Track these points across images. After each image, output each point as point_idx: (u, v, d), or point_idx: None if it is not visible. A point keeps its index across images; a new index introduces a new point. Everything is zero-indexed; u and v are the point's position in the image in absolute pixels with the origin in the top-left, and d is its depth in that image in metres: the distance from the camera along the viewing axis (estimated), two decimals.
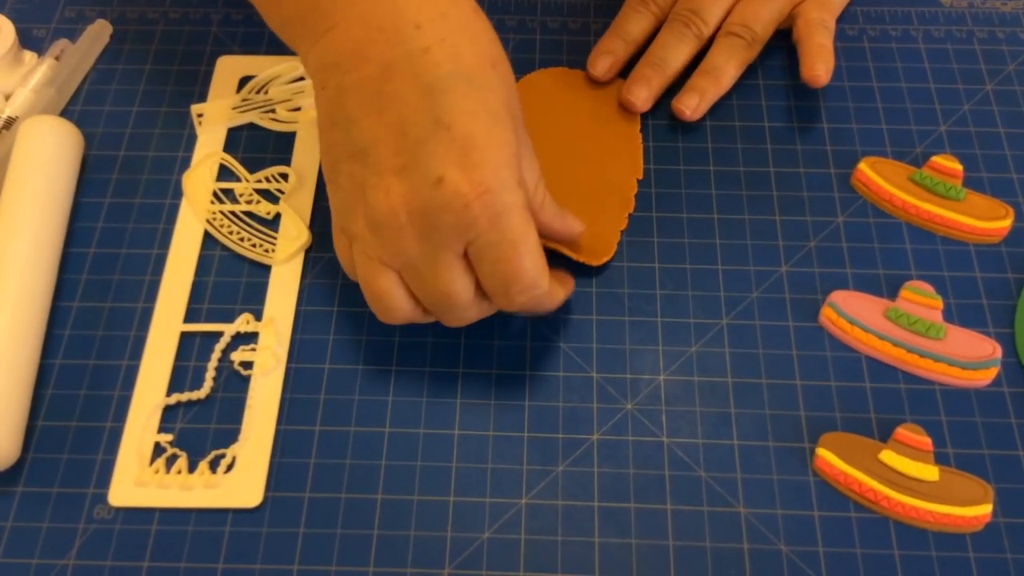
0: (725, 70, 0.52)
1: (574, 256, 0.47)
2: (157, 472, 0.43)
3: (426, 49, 0.38)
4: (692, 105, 0.52)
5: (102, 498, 0.42)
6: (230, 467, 0.43)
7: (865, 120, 0.53)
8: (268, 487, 0.42)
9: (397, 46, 0.38)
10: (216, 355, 0.45)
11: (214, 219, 0.49)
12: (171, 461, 0.43)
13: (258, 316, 0.47)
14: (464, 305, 0.41)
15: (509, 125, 0.39)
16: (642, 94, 0.52)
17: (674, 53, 0.53)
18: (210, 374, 0.45)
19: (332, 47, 0.39)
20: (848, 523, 0.42)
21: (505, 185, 0.38)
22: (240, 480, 0.42)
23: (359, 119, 0.39)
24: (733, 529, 0.42)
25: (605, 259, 0.48)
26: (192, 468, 0.43)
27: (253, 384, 0.45)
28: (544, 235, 0.43)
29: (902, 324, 0.46)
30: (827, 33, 0.52)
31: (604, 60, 0.54)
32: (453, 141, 0.37)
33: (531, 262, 0.39)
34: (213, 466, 0.43)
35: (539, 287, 0.40)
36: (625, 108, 0.53)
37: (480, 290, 0.41)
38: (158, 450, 0.43)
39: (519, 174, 0.39)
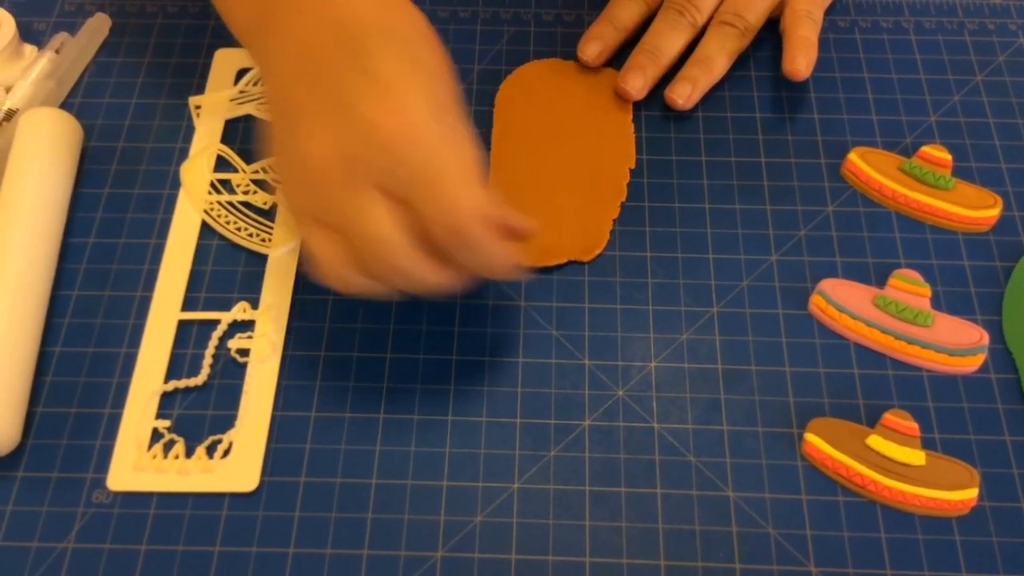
0: (717, 59, 0.53)
1: (567, 256, 0.48)
2: (155, 457, 0.43)
3: (352, 6, 0.39)
4: (684, 94, 0.52)
5: (101, 483, 0.43)
6: (227, 452, 0.43)
7: (855, 111, 0.53)
8: (264, 472, 0.43)
9: (326, 7, 0.40)
10: (213, 343, 0.46)
11: (211, 209, 0.50)
12: (168, 447, 0.44)
13: (255, 304, 0.47)
14: (401, 253, 0.38)
15: (432, 79, 0.40)
16: (637, 83, 0.53)
17: (669, 42, 0.53)
18: (207, 361, 0.46)
19: (262, 9, 0.41)
20: (836, 507, 0.42)
21: (430, 127, 0.38)
22: (236, 465, 0.43)
23: (285, 71, 0.40)
24: (722, 513, 0.42)
25: (596, 252, 0.48)
26: (189, 453, 0.44)
27: (249, 371, 0.45)
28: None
29: (890, 312, 0.46)
30: (812, 25, 0.53)
31: (594, 45, 0.54)
32: (378, 85, 0.38)
33: (466, 189, 0.38)
34: (210, 451, 0.43)
35: (481, 215, 0.38)
36: (620, 97, 0.53)
37: (425, 246, 0.38)
38: (156, 436, 0.44)
39: (446, 121, 0.39)
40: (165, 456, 0.43)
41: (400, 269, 0.39)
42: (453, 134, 0.39)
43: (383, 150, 0.37)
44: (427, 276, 0.39)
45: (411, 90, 0.38)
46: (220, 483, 0.43)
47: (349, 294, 0.40)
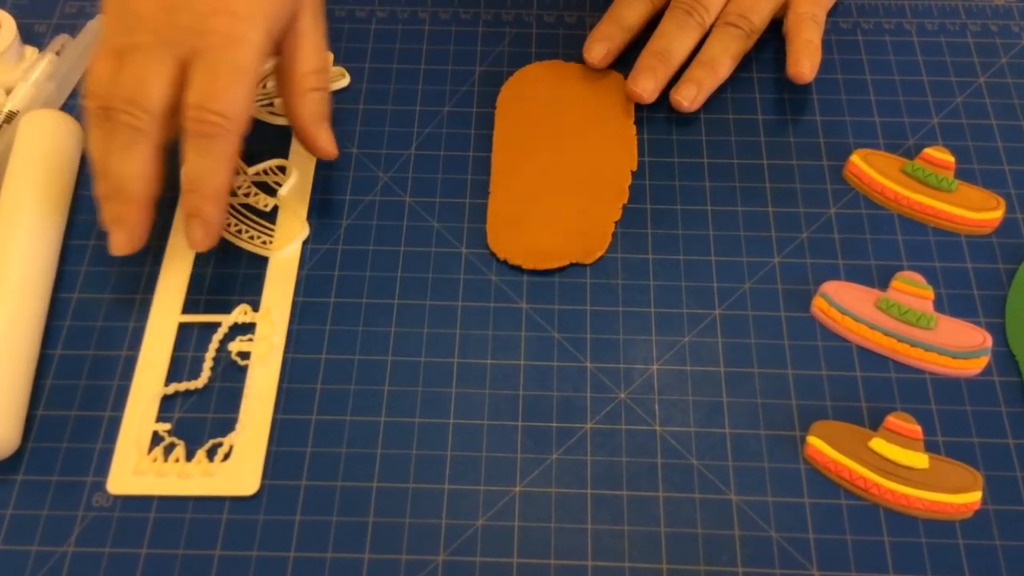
0: (722, 61, 0.52)
1: (569, 258, 0.48)
2: (155, 461, 0.43)
3: None
4: (690, 96, 0.52)
5: (101, 486, 0.43)
6: (227, 456, 0.43)
7: (858, 112, 0.53)
8: (265, 475, 0.43)
9: None
10: (214, 345, 0.46)
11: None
12: (169, 450, 0.43)
13: (255, 307, 0.47)
14: (148, 105, 0.42)
15: None
16: (649, 85, 0.52)
17: (678, 43, 0.53)
18: (208, 364, 0.45)
19: None
20: (838, 510, 0.42)
21: (254, 20, 0.42)
22: (237, 468, 0.43)
23: None
24: (724, 516, 0.42)
25: (598, 255, 0.48)
26: (190, 457, 0.43)
27: (250, 374, 0.45)
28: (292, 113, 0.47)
29: (893, 314, 0.46)
30: (815, 28, 0.53)
31: (600, 47, 0.54)
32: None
33: (239, 94, 0.42)
34: (211, 455, 0.43)
35: (231, 120, 0.42)
36: (632, 99, 0.53)
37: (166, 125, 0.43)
38: (156, 439, 0.44)
39: (272, 28, 0.43)
40: (165, 459, 0.43)
41: (137, 126, 0.42)
42: (268, 46, 0.44)
43: (201, 21, 0.42)
44: (143, 158, 0.42)
45: None
46: (220, 487, 0.43)
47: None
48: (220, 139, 0.42)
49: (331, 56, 0.54)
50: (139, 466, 0.43)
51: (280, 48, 0.46)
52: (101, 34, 0.44)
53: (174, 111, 0.42)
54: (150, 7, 0.42)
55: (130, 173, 0.43)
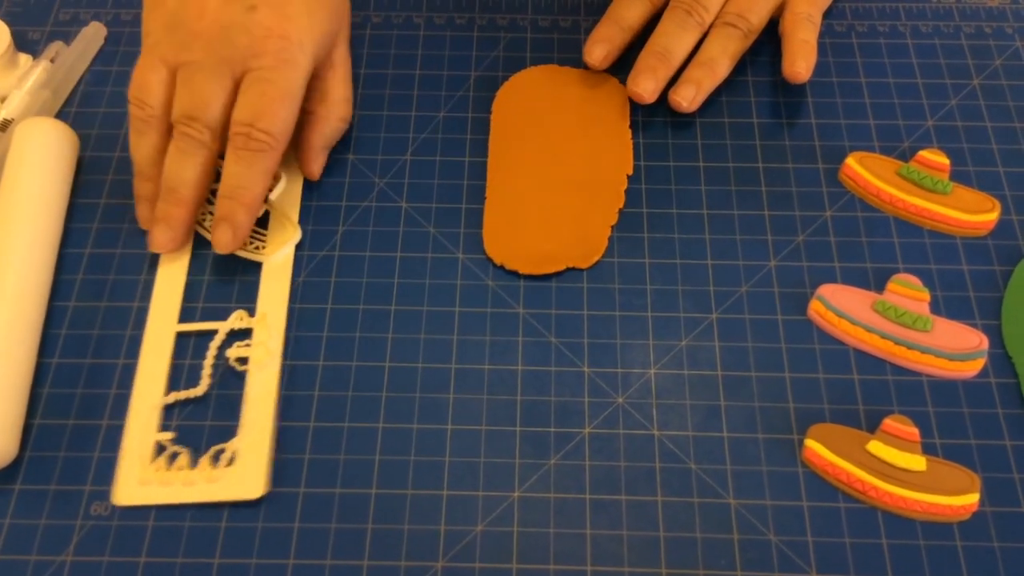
0: (721, 61, 0.52)
1: (565, 263, 0.48)
2: (159, 470, 0.43)
3: None
4: (689, 97, 0.52)
5: (99, 495, 0.43)
6: (231, 461, 0.43)
7: (853, 115, 0.53)
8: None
9: None
10: (212, 352, 0.46)
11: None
12: (173, 458, 0.43)
13: (252, 313, 0.47)
14: (208, 120, 0.45)
15: (329, 15, 0.49)
16: (649, 85, 0.52)
17: (678, 42, 0.52)
18: (207, 371, 0.45)
19: None
20: (837, 513, 0.42)
21: (304, 46, 0.46)
22: (242, 472, 0.43)
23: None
24: (723, 520, 0.42)
25: (595, 259, 0.48)
26: (193, 464, 0.43)
27: (249, 379, 0.45)
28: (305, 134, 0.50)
29: (889, 317, 0.46)
30: (812, 28, 0.53)
31: (600, 48, 0.54)
32: None
33: (286, 114, 0.46)
34: (214, 461, 0.43)
35: (276, 138, 0.45)
36: (634, 100, 0.53)
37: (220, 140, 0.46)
38: (159, 448, 0.44)
39: (319, 55, 0.48)
40: (169, 468, 0.43)
41: (191, 147, 0.46)
42: (313, 70, 0.48)
43: (255, 43, 0.45)
44: (202, 165, 0.46)
45: (305, 16, 0.47)
46: (226, 492, 0.43)
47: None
48: (264, 155, 0.46)
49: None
50: (143, 476, 0.43)
51: (316, 73, 0.49)
52: (148, 44, 0.47)
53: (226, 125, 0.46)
54: (209, 26, 0.45)
55: (187, 179, 0.46)
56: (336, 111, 0.51)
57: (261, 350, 0.46)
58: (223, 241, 0.46)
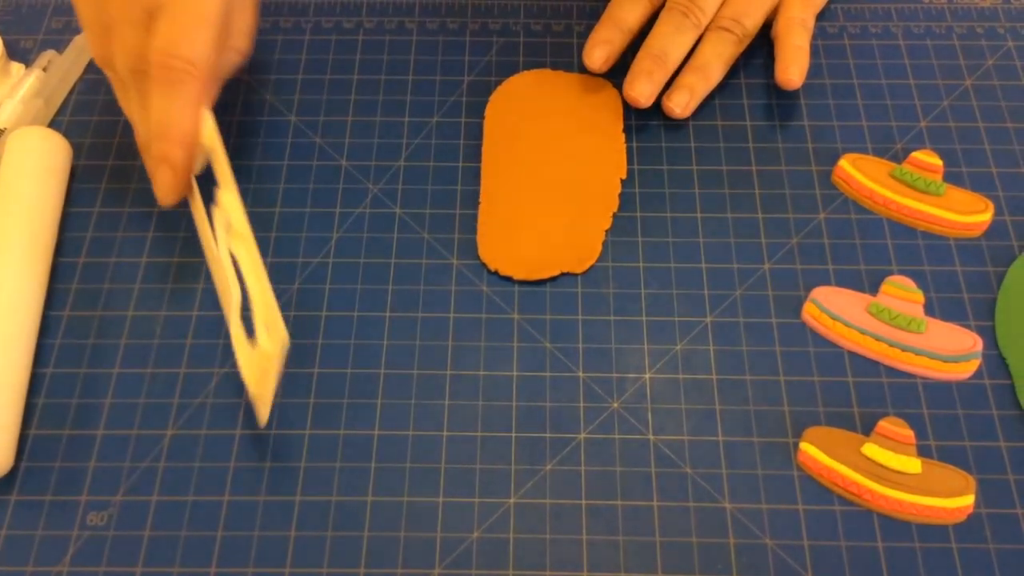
0: (714, 66, 0.52)
1: (559, 268, 0.48)
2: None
3: None
4: (683, 103, 0.52)
5: (95, 505, 0.43)
6: None
7: (846, 117, 0.54)
8: (259, 491, 0.43)
9: None
10: None
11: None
12: None
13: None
14: (123, 47, 0.44)
15: None
16: (646, 90, 0.51)
17: (674, 45, 0.52)
18: None
19: None
20: (832, 516, 0.42)
21: None
22: None
23: None
24: (719, 524, 0.42)
25: (589, 264, 0.48)
26: None
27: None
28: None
29: (884, 319, 0.46)
30: (805, 33, 0.53)
31: (601, 50, 0.53)
32: None
33: (203, 39, 0.43)
34: None
35: (196, 65, 0.43)
36: (630, 104, 0.52)
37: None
38: None
39: None
40: None
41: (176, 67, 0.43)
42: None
43: None
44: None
45: None
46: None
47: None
48: (186, 84, 0.43)
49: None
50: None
51: None
52: (82, 17, 0.46)
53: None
54: None
55: (174, 115, 0.44)
56: (234, 42, 0.48)
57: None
58: (165, 183, 0.44)
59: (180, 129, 0.44)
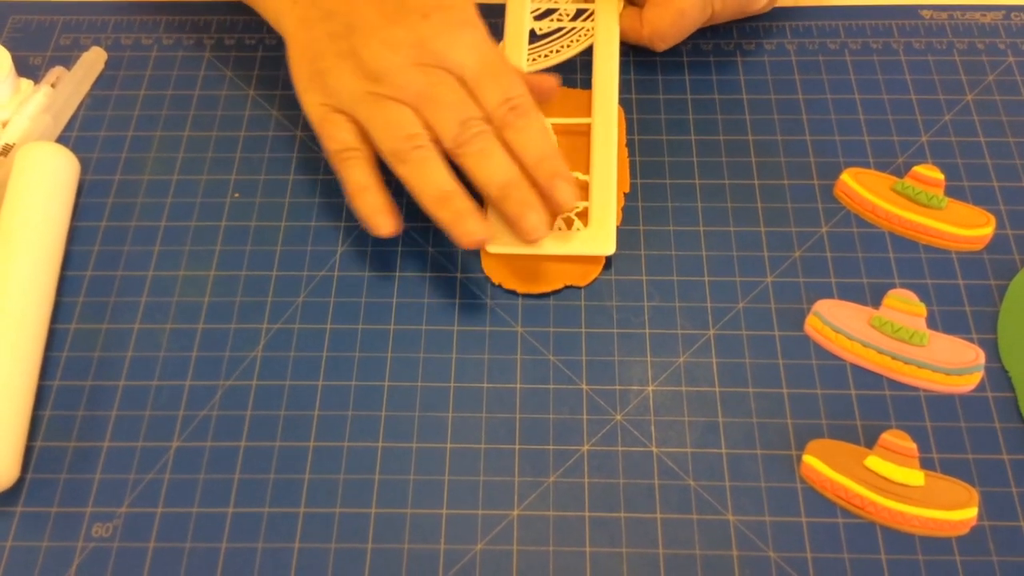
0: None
1: (563, 281, 0.48)
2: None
3: None
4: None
5: (100, 516, 0.43)
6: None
7: (848, 132, 0.54)
8: (264, 503, 0.43)
9: None
10: None
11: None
12: None
13: None
14: (452, 99, 0.46)
15: None
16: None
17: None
18: None
19: None
20: (835, 529, 0.42)
21: (480, 22, 0.48)
22: (594, 232, 0.49)
23: (337, 7, 0.47)
24: (722, 537, 0.42)
25: (593, 277, 0.49)
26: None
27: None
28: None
29: (886, 332, 0.46)
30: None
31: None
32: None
33: (519, 75, 0.47)
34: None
35: (527, 95, 0.47)
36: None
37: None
38: None
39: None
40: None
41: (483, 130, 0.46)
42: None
43: (455, 36, 0.46)
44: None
45: None
46: (581, 247, 0.48)
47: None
48: (532, 111, 0.47)
49: None
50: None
51: None
52: (372, 120, 0.46)
53: None
54: (404, 52, 0.46)
55: (542, 137, 0.46)
56: None
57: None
58: (566, 193, 0.46)
59: (554, 145, 0.47)
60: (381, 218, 0.47)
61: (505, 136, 0.46)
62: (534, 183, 0.46)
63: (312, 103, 0.48)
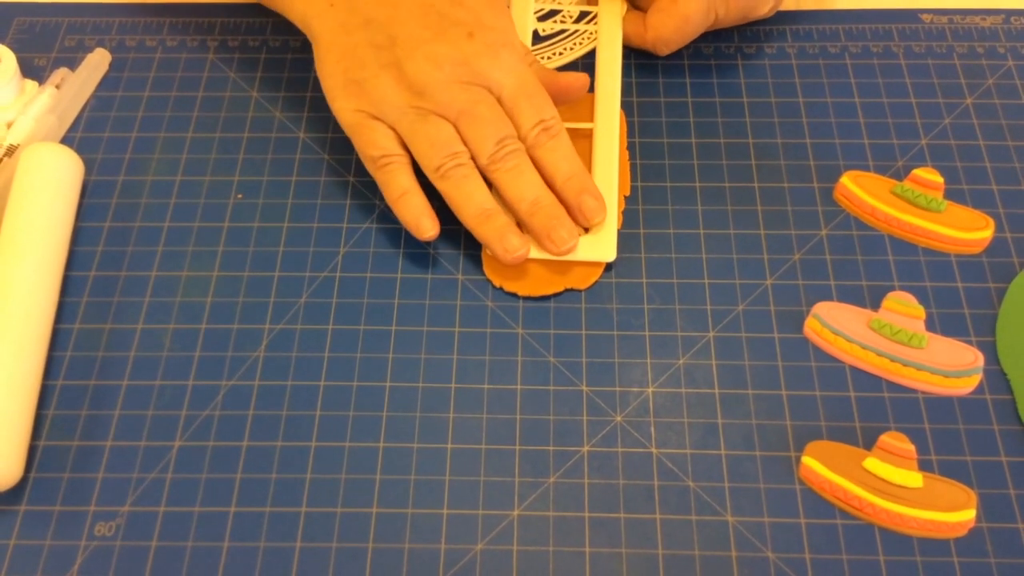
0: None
1: (563, 284, 0.49)
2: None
3: None
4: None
5: (104, 515, 0.43)
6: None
7: (847, 135, 0.54)
8: (265, 502, 0.43)
9: None
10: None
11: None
12: None
13: None
14: (491, 117, 0.47)
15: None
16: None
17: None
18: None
19: None
20: (834, 530, 0.42)
21: (519, 42, 0.50)
22: (595, 239, 0.49)
23: (377, 15, 0.48)
24: (721, 538, 0.42)
25: (593, 280, 0.49)
26: None
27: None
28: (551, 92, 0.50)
29: (885, 334, 0.46)
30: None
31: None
32: (469, 8, 0.48)
33: (549, 98, 0.49)
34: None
35: (557, 116, 0.49)
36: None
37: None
38: None
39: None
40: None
41: (516, 149, 0.48)
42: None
43: (495, 59, 0.48)
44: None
45: (501, 15, 0.50)
46: (581, 254, 0.49)
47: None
48: (564, 132, 0.49)
49: None
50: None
51: None
52: (400, 108, 0.48)
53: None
54: (447, 70, 0.47)
55: (571, 157, 0.49)
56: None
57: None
58: (597, 209, 0.48)
59: (580, 164, 0.49)
60: (425, 221, 0.48)
61: (535, 155, 0.48)
62: (562, 199, 0.48)
63: (346, 109, 0.48)
